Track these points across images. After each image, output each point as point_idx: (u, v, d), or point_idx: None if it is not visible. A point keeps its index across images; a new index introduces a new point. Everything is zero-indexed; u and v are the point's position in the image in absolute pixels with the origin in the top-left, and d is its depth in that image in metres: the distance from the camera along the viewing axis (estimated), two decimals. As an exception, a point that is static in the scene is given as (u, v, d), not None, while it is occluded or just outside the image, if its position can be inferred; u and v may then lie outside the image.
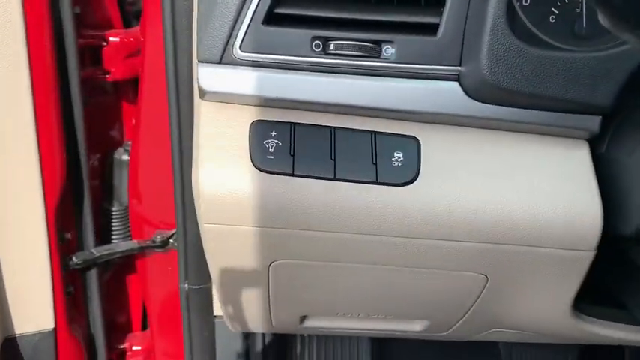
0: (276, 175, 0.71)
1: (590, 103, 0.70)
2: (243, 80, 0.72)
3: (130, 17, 1.25)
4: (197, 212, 0.76)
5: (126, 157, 1.25)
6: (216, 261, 0.79)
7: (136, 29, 1.19)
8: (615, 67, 0.69)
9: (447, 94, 0.72)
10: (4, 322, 1.07)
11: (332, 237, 0.74)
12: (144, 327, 1.49)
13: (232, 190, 0.71)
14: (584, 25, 0.73)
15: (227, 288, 0.86)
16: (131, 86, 1.27)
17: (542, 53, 0.69)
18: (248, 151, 0.72)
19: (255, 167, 0.71)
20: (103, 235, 1.29)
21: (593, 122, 0.73)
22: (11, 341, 1.10)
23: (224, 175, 0.71)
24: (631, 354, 1.46)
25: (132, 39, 1.17)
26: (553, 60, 0.69)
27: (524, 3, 0.74)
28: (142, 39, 1.16)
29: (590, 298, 0.84)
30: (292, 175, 0.71)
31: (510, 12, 0.70)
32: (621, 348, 1.45)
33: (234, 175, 0.71)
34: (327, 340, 1.55)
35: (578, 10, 0.74)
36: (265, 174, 0.71)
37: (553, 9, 0.74)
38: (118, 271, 1.38)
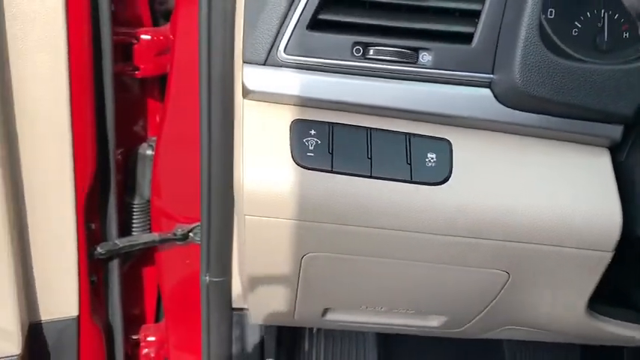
0: (315, 171, 0.75)
1: (614, 113, 0.75)
2: (286, 81, 0.76)
3: (158, 16, 1.28)
4: (237, 204, 0.79)
5: (150, 152, 1.28)
6: (251, 252, 0.83)
7: (166, 27, 1.22)
8: (638, 80, 0.74)
9: (479, 100, 0.76)
10: (30, 308, 1.10)
11: (365, 232, 0.78)
12: (157, 319, 1.52)
13: (274, 183, 0.75)
14: (606, 39, 0.78)
15: (257, 279, 0.90)
16: (156, 83, 1.30)
17: (571, 65, 0.74)
18: (289, 147, 0.76)
19: (295, 163, 0.75)
20: (123, 228, 1.32)
21: (616, 131, 0.77)
22: (37, 327, 1.12)
23: (266, 169, 0.76)
24: (629, 357, 1.50)
25: (162, 37, 1.20)
26: (580, 71, 0.74)
27: (549, 16, 0.78)
28: (172, 37, 1.19)
29: (605, 300, 0.89)
30: (331, 171, 0.75)
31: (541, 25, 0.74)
32: (621, 351, 1.50)
33: (276, 169, 0.75)
34: (335, 337, 1.59)
35: (600, 25, 0.78)
36: (305, 169, 0.75)
37: (576, 22, 0.78)
38: (136, 263, 1.41)
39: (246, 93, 0.78)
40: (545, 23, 0.77)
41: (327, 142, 0.76)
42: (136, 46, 1.19)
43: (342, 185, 0.76)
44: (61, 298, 1.14)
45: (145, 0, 1.23)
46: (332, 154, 0.76)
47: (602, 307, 0.90)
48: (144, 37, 1.18)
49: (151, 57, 1.20)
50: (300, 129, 0.76)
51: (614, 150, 0.80)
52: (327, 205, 0.76)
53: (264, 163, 0.76)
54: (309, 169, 0.75)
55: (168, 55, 1.21)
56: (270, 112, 0.78)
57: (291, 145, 0.76)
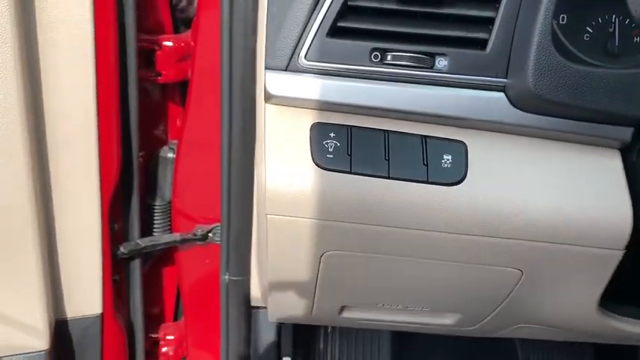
0: (335, 172, 0.78)
1: (625, 116, 0.77)
2: (307, 86, 0.80)
3: (179, 23, 1.32)
4: (259, 204, 0.83)
5: (171, 155, 1.32)
6: (272, 250, 0.86)
7: (187, 34, 1.26)
8: None
9: (493, 104, 0.79)
10: (57, 306, 1.14)
11: (383, 231, 0.81)
12: (175, 318, 1.55)
13: (295, 184, 0.79)
14: (617, 43, 0.80)
15: (278, 277, 0.93)
16: (177, 89, 1.34)
17: (583, 69, 0.76)
18: (309, 150, 0.79)
19: (315, 164, 0.78)
20: (145, 228, 1.36)
21: (626, 133, 0.80)
22: (63, 324, 1.16)
23: (288, 170, 0.79)
24: (643, 358, 1.51)
25: (183, 44, 1.24)
26: (592, 75, 0.76)
27: (561, 22, 0.81)
28: (193, 44, 1.23)
29: (618, 297, 0.91)
30: (350, 172, 0.78)
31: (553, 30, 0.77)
32: (635, 352, 1.51)
33: (297, 171, 0.79)
34: (349, 336, 1.61)
35: (611, 30, 0.81)
36: (325, 171, 0.78)
37: (587, 28, 0.81)
38: (156, 263, 1.44)
39: (268, 97, 0.81)
40: (556, 29, 0.79)
41: (346, 145, 0.79)
42: (158, 52, 1.23)
43: (360, 186, 0.79)
44: (85, 296, 1.17)
45: (167, 7, 1.27)
46: (351, 155, 0.79)
47: (614, 305, 0.92)
48: (166, 43, 1.22)
49: (172, 63, 1.23)
50: (319, 132, 0.80)
51: (625, 151, 0.82)
52: (346, 205, 0.79)
53: (286, 164, 0.79)
54: (328, 170, 0.78)
55: (189, 61, 1.25)
56: (290, 115, 0.81)
57: (311, 147, 0.79)
